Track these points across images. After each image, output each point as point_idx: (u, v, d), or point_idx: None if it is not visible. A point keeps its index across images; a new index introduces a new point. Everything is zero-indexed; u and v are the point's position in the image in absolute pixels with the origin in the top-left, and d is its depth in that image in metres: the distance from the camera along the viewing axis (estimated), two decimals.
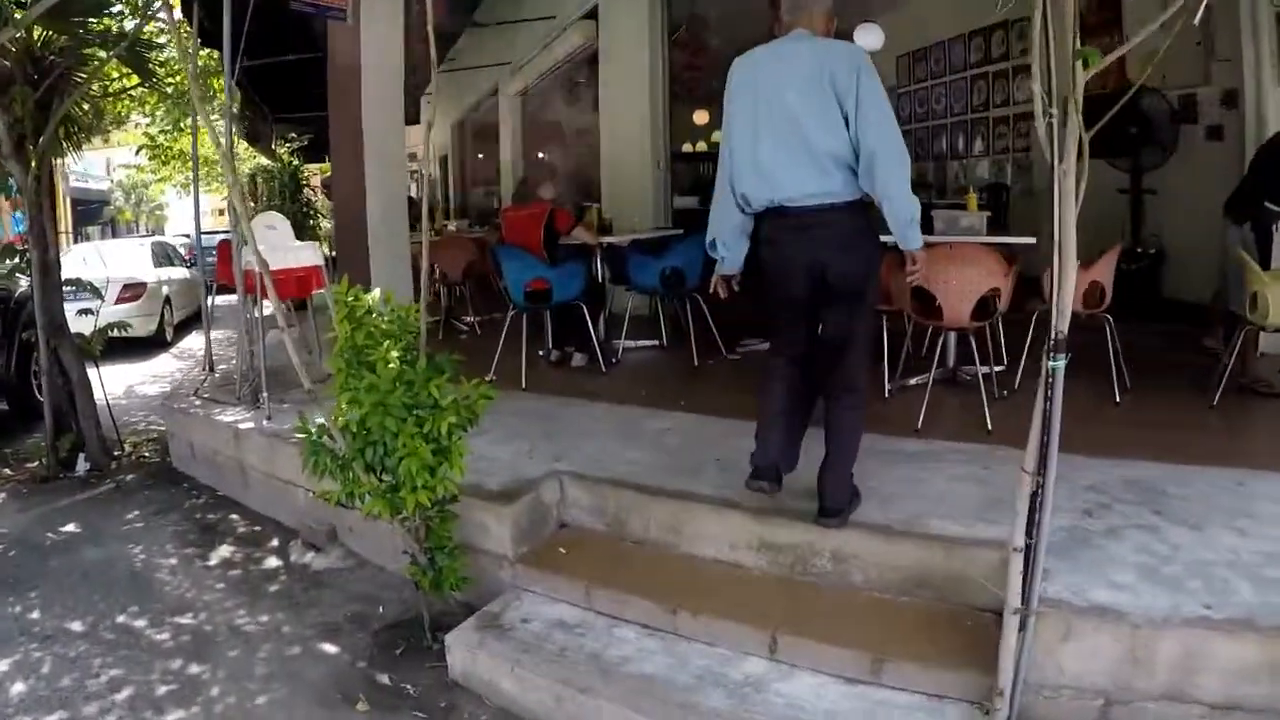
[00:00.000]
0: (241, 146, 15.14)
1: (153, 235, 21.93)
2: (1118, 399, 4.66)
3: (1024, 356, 4.85)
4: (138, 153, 14.01)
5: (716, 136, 17.53)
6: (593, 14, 9.11)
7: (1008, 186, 9.37)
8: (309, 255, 5.88)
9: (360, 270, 6.08)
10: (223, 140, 4.25)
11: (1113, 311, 4.80)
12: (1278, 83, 6.29)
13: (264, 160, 15.74)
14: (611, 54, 8.80)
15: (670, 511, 3.47)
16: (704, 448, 4.02)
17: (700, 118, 15.81)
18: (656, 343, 6.81)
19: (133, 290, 10.94)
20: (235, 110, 11.31)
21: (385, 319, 3.19)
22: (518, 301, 5.75)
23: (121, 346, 8.44)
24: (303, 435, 3.20)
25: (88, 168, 27.84)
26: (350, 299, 3.13)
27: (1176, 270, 7.36)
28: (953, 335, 4.97)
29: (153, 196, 28.69)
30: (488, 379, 5.52)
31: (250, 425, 5.09)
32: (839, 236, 3.06)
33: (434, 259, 8.01)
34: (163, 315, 11.72)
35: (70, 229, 27.13)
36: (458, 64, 14.36)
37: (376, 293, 3.23)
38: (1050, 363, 2.24)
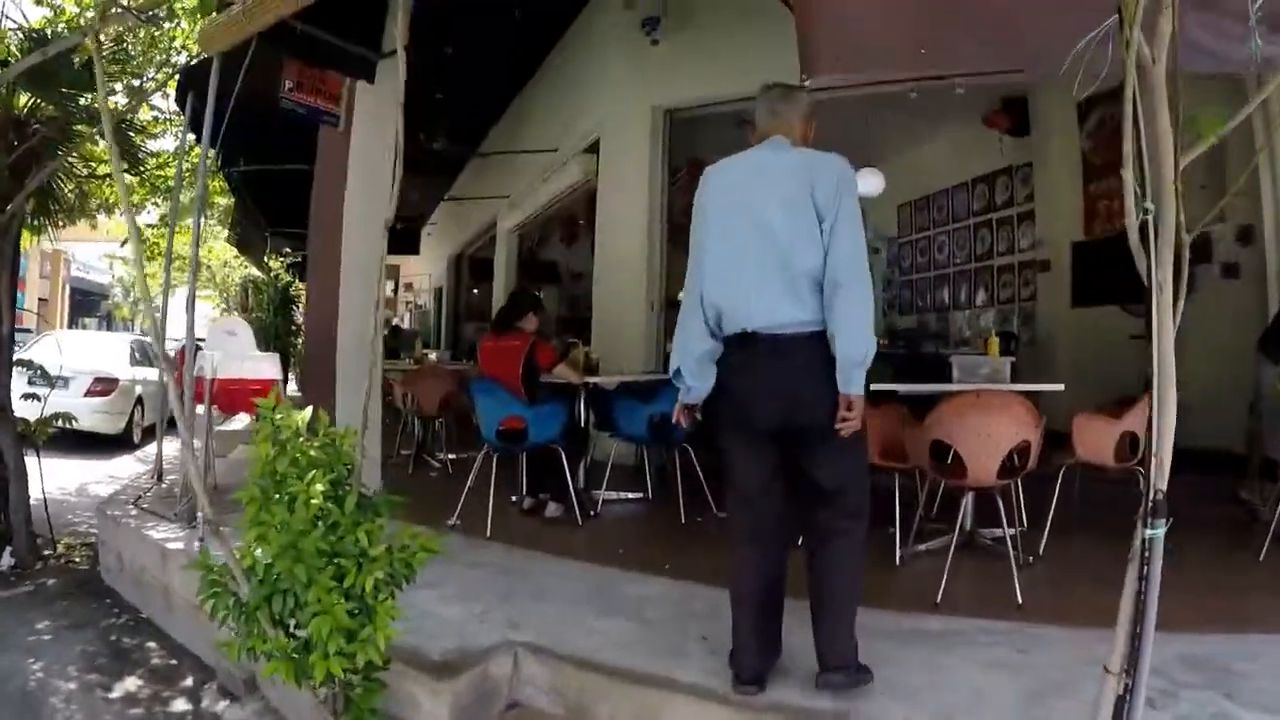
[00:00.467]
0: (231, 253, 14.91)
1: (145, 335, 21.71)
2: None
3: (1050, 517, 4.37)
4: (123, 244, 13.81)
5: None
6: (594, 148, 8.97)
7: (1016, 336, 9.05)
8: (267, 368, 5.50)
9: (325, 393, 5.67)
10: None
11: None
12: None
13: (257, 271, 15.50)
14: (610, 189, 8.61)
15: (644, 700, 2.87)
16: (688, 623, 3.44)
17: None
18: (641, 495, 6.20)
19: (104, 385, 10.61)
20: (230, 217, 11.11)
21: (315, 444, 2.71)
22: (490, 440, 5.23)
23: (86, 443, 7.96)
24: (200, 570, 2.72)
25: (88, 259, 28.02)
26: (277, 416, 2.66)
27: (1194, 417, 6.84)
28: (970, 495, 4.51)
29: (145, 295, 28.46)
30: (449, 523, 5.09)
31: (180, 546, 4.59)
32: (814, 366, 2.74)
33: (409, 389, 7.58)
34: (132, 415, 11.28)
35: (66, 317, 27.44)
36: (459, 195, 14.34)
37: (308, 412, 2.76)
38: (1148, 530, 1.72)
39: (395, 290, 23.36)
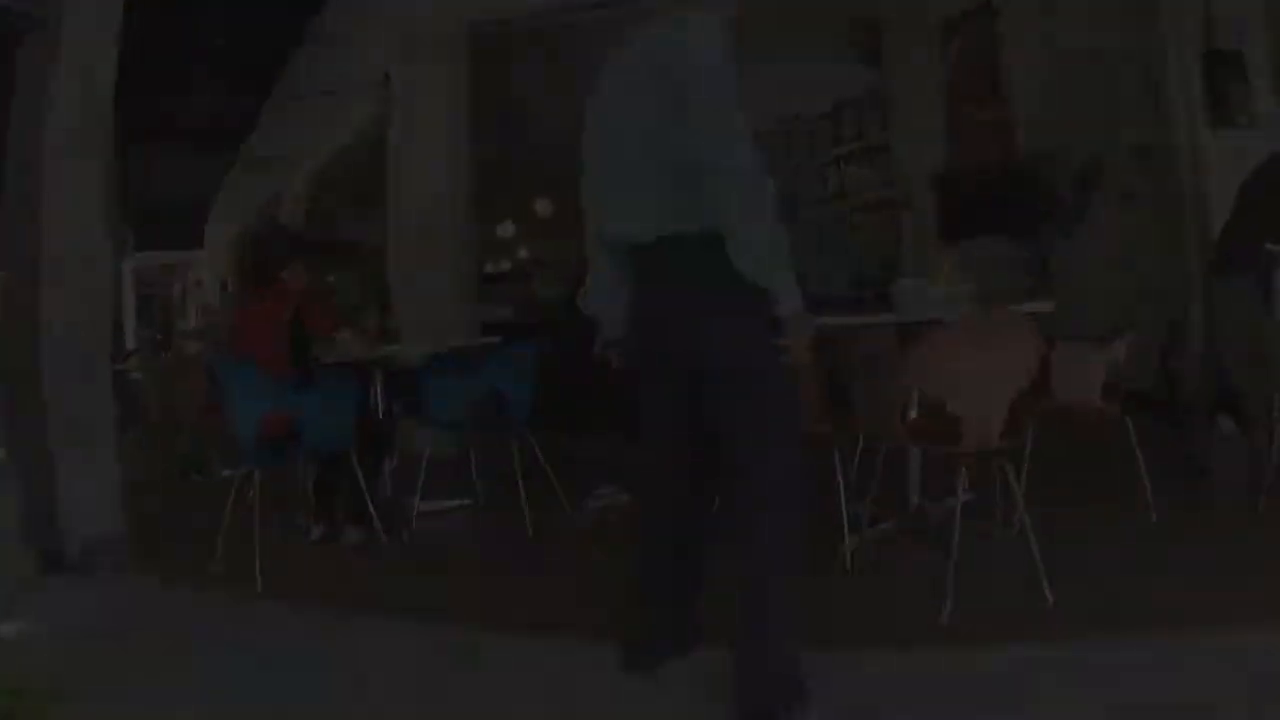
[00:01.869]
0: None
1: None
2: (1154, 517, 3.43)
3: (1023, 479, 3.21)
4: None
5: (525, 254, 16.02)
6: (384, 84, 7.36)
7: (880, 276, 8.25)
8: None
9: (30, 398, 4.08)
10: None
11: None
12: (1213, 129, 5.66)
13: None
14: (406, 132, 7.06)
15: None
16: None
17: (505, 230, 14.00)
18: (468, 501, 4.69)
19: None
20: None
21: None
22: (246, 449, 3.64)
23: None
24: None
25: None
26: None
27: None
28: (916, 462, 3.50)
29: None
30: (213, 570, 3.55)
31: None
32: (695, 282, 2.22)
33: (163, 392, 5.86)
34: None
35: None
36: (248, 158, 12.31)
37: None
38: None
39: (184, 291, 20.93)
